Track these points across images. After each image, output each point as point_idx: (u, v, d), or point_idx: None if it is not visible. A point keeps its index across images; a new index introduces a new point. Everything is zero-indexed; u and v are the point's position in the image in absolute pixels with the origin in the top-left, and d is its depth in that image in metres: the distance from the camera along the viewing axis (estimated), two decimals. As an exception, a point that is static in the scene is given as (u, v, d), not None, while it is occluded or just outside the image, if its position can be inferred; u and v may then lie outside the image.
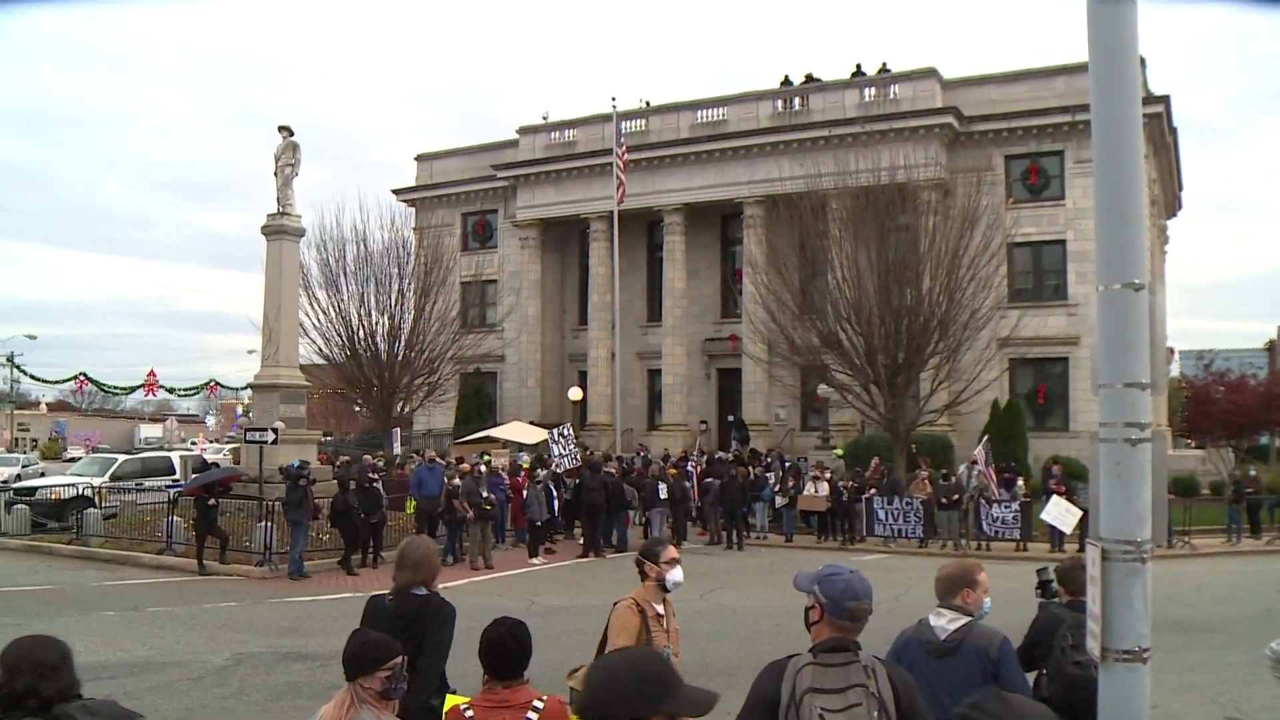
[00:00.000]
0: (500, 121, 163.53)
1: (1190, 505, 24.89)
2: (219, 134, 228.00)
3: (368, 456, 27.89)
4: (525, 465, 26.29)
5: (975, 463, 25.95)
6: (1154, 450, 3.56)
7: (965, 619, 4.79)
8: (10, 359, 70.48)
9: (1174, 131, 38.40)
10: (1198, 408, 48.19)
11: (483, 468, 23.18)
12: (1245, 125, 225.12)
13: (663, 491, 24.07)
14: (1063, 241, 33.81)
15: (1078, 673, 4.74)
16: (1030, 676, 5.46)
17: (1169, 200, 45.86)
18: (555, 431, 26.16)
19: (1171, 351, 41.16)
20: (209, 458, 33.47)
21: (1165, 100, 34.61)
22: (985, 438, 27.80)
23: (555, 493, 23.85)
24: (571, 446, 25.40)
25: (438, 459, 24.22)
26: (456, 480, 21.53)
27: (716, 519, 25.00)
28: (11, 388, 75.72)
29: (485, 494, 21.36)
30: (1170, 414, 41.77)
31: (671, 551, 5.74)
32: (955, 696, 4.67)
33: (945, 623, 4.80)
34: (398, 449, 30.57)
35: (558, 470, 24.70)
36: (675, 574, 5.65)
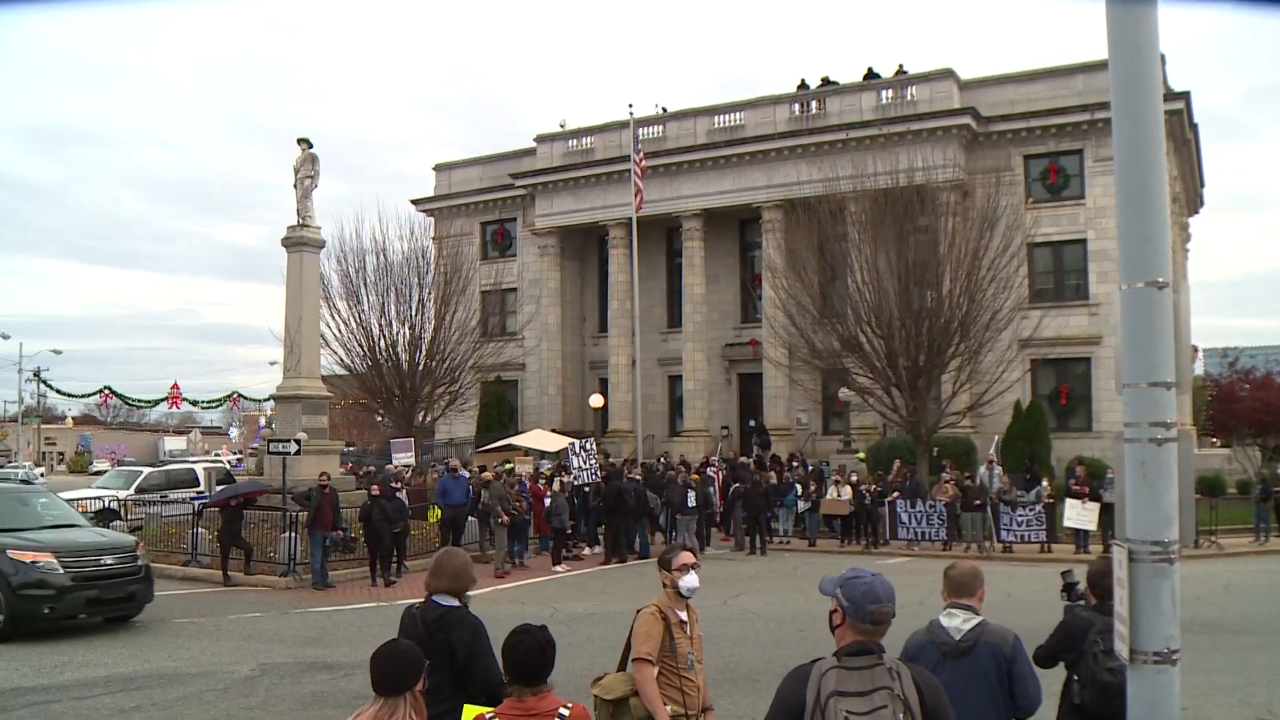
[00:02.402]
0: (516, 131, 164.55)
1: (1216, 505, 24.65)
2: (233, 147, 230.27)
3: (390, 466, 27.96)
4: (546, 473, 26.29)
5: (993, 462, 25.98)
6: (1180, 450, 3.54)
7: (978, 618, 4.80)
8: (37, 374, 71.29)
9: (1195, 128, 38.13)
10: (1223, 406, 47.67)
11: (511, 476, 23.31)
12: (1267, 119, 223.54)
13: (691, 499, 23.96)
14: (1083, 241, 33.61)
15: (1112, 680, 4.69)
16: (1045, 677, 5.42)
17: (1190, 197, 45.54)
18: (576, 444, 26.05)
19: (1195, 350, 40.84)
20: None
21: (1185, 96, 34.36)
22: (996, 438, 27.73)
23: (576, 502, 23.92)
24: (592, 460, 25.32)
25: (461, 468, 24.26)
26: (522, 485, 22.25)
27: (740, 524, 24.95)
28: (38, 402, 76.54)
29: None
30: (1195, 413, 41.34)
31: (683, 558, 5.73)
32: (971, 696, 4.66)
33: (959, 623, 4.81)
34: (408, 460, 30.10)
35: (576, 482, 24.61)
36: (687, 580, 5.64)
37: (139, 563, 14.82)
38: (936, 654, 4.78)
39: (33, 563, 13.54)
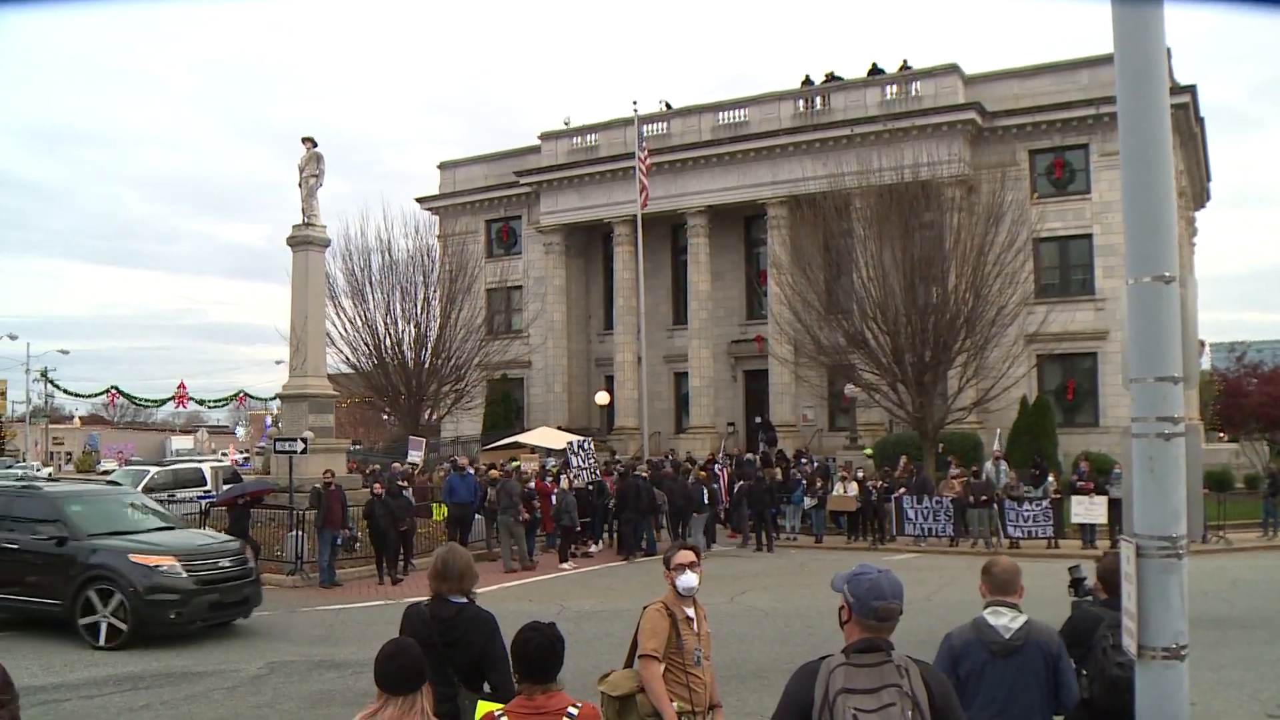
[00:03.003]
0: (519, 129, 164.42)
1: (1224, 499, 24.63)
2: (236, 147, 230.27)
3: (397, 465, 27.97)
4: (552, 471, 26.31)
5: (998, 457, 25.93)
6: (1188, 445, 3.53)
7: (1024, 616, 4.79)
8: (44, 374, 71.50)
9: (1201, 121, 37.98)
10: (1230, 400, 47.66)
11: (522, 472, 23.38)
12: (1274, 114, 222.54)
13: (705, 495, 23.90)
14: (1089, 235, 33.54)
15: (1121, 674, 4.69)
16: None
17: (1197, 191, 45.37)
18: (575, 443, 26.03)
19: (1203, 344, 40.73)
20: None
21: (1192, 90, 34.24)
22: (999, 431, 27.66)
23: (589, 498, 23.97)
24: (591, 460, 25.29)
25: (468, 466, 24.29)
26: (532, 484, 22.47)
27: (746, 521, 24.94)
28: (46, 402, 76.79)
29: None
30: (1202, 407, 41.33)
31: (681, 557, 5.71)
32: (1019, 694, 4.66)
33: (1007, 621, 4.79)
34: (417, 459, 30.11)
35: (577, 483, 24.59)
36: (684, 579, 5.62)
37: (249, 565, 14.71)
38: (984, 653, 4.76)
39: (156, 567, 13.13)
